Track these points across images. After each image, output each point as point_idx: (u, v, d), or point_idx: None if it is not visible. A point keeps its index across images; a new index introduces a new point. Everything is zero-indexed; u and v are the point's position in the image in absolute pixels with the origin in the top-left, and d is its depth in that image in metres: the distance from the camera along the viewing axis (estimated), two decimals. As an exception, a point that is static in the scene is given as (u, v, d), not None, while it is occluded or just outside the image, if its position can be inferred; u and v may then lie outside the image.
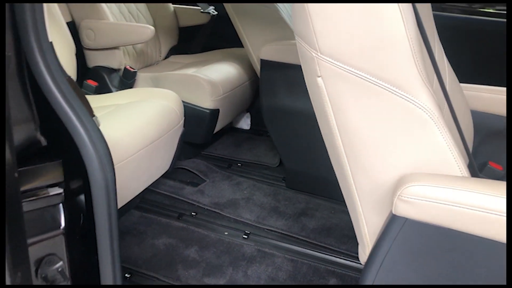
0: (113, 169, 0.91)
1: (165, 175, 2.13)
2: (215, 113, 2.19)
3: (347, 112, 0.93)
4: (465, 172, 0.91)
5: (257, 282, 1.60)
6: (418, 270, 0.92)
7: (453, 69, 1.47)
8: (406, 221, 0.90)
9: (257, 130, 2.73)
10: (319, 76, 0.94)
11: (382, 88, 0.88)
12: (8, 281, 0.80)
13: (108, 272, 1.00)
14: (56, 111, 0.86)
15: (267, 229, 1.89)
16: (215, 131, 2.30)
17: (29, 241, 0.94)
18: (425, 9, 1.30)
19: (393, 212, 0.90)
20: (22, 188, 0.91)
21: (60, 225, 1.00)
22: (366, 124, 0.92)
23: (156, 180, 1.91)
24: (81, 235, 1.00)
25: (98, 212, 0.93)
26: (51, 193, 0.96)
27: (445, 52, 1.62)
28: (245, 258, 1.71)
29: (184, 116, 1.95)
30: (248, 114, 2.75)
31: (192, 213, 1.97)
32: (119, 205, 1.58)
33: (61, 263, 1.00)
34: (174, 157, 1.90)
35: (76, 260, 1.02)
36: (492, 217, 0.82)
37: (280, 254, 1.74)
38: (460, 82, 1.47)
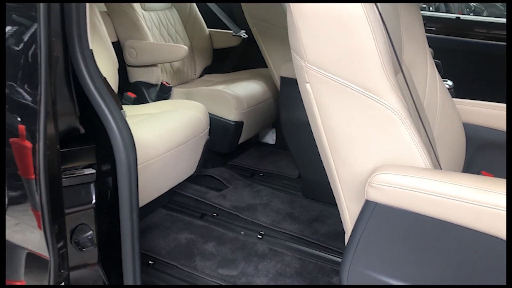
0: (135, 152, 1.12)
1: (192, 180, 2.35)
2: (239, 125, 2.39)
3: (329, 112, 1.10)
4: (428, 164, 1.05)
5: (265, 275, 1.76)
6: (388, 250, 1.07)
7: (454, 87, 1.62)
8: (376, 205, 1.05)
9: (282, 144, 2.91)
10: (307, 82, 1.12)
11: (356, 91, 1.05)
12: (50, 250, 1.00)
13: (128, 241, 1.20)
14: (92, 104, 1.08)
15: (280, 231, 2.05)
16: (239, 142, 2.50)
17: (66, 211, 1.15)
18: (416, 31, 1.46)
19: (366, 198, 1.06)
20: (63, 167, 1.13)
21: (91, 200, 1.21)
22: (344, 122, 1.09)
23: (183, 183, 2.13)
24: (107, 210, 1.21)
25: (122, 189, 1.13)
26: (86, 173, 1.18)
27: (449, 73, 1.77)
28: (257, 254, 1.88)
29: (211, 126, 2.16)
30: (273, 130, 2.94)
31: (213, 214, 2.16)
32: (147, 200, 1.80)
33: (90, 232, 1.21)
34: (199, 162, 2.11)
35: (103, 230, 1.22)
36: (446, 201, 0.96)
37: (290, 253, 1.89)
38: (455, 97, 1.61)
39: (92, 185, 1.20)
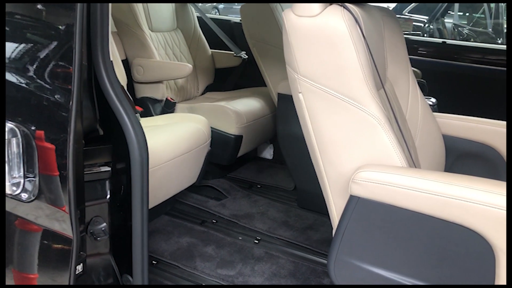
0: (147, 152, 1.27)
1: (193, 190, 2.49)
2: (238, 138, 2.55)
3: (319, 118, 1.26)
4: (404, 163, 1.20)
5: (261, 275, 1.88)
6: (369, 240, 1.21)
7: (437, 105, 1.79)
8: (358, 199, 1.20)
9: (279, 159, 3.06)
10: (300, 92, 1.28)
11: (342, 100, 1.21)
12: (74, 230, 1.14)
13: (138, 233, 1.34)
14: (112, 108, 1.23)
15: (276, 237, 2.18)
16: (239, 156, 2.65)
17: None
18: (399, 50, 1.63)
19: (350, 193, 1.21)
20: (84, 163, 1.27)
21: (106, 195, 1.36)
22: (331, 127, 1.24)
23: (184, 192, 2.27)
24: (120, 204, 1.35)
25: (134, 183, 1.28)
26: (102, 170, 1.33)
27: (428, 89, 1.94)
28: (254, 257, 2.00)
29: (212, 139, 2.32)
30: (271, 145, 3.09)
31: (213, 221, 2.29)
32: (152, 205, 1.93)
33: (104, 224, 1.34)
34: (200, 171, 2.25)
35: (115, 223, 1.36)
36: (418, 194, 1.11)
37: (284, 257, 2.02)
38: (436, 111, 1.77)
39: (107, 182, 1.35)
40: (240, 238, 2.15)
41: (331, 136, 1.25)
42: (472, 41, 4.83)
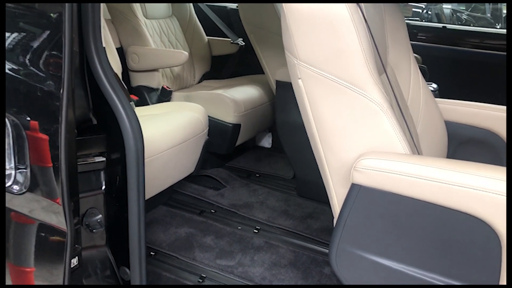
0: (143, 141, 1.23)
1: (191, 180, 2.46)
2: (237, 127, 2.51)
3: (319, 104, 1.22)
4: (407, 151, 1.17)
5: (261, 265, 1.86)
6: (372, 229, 1.18)
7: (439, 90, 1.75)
8: (360, 188, 1.16)
9: (278, 148, 3.03)
10: (299, 78, 1.24)
11: (343, 86, 1.17)
12: (68, 223, 1.10)
13: (134, 225, 1.31)
14: (105, 96, 1.19)
15: (276, 226, 2.15)
16: (237, 145, 2.61)
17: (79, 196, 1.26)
18: (400, 34, 1.59)
19: (351, 181, 1.17)
20: (78, 154, 1.23)
21: (101, 186, 1.32)
22: (332, 114, 1.21)
23: (182, 182, 2.24)
24: (116, 195, 1.32)
25: (130, 175, 1.24)
26: (97, 160, 1.29)
27: (429, 75, 1.90)
28: (253, 247, 1.98)
29: (210, 129, 2.28)
30: (270, 134, 3.06)
31: (212, 211, 2.26)
32: (149, 195, 1.90)
33: (100, 215, 1.31)
34: (198, 161, 2.22)
35: (111, 214, 1.33)
36: (422, 182, 1.07)
37: (284, 246, 1.99)
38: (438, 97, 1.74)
39: (102, 172, 1.31)
40: (239, 228, 2.13)
41: (332, 123, 1.22)
42: (471, 26, 4.78)
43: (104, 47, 1.18)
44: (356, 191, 1.17)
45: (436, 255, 1.10)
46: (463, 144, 1.72)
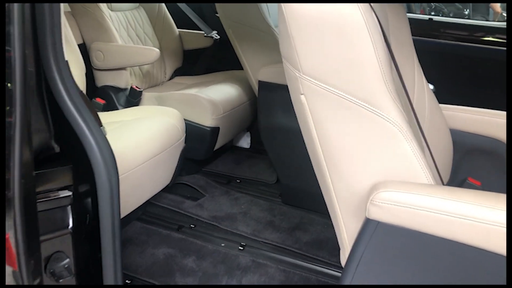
0: (117, 173, 1.03)
1: (166, 190, 2.24)
2: (215, 131, 2.31)
3: (326, 125, 1.04)
4: (431, 180, 1.01)
5: (250, 289, 1.69)
6: (390, 270, 1.02)
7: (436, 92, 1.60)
8: (378, 224, 1.00)
9: (257, 148, 2.84)
10: (302, 94, 1.05)
11: (355, 104, 0.99)
12: (23, 271, 0.90)
13: (110, 269, 1.10)
14: (69, 121, 0.97)
15: (262, 241, 1.98)
16: (215, 149, 2.41)
17: (41, 238, 1.05)
18: (404, 34, 1.42)
19: (367, 216, 1.01)
20: (37, 190, 1.02)
21: (68, 225, 1.11)
22: (342, 136, 1.03)
23: (158, 193, 2.02)
24: (87, 235, 1.11)
25: (103, 213, 1.04)
26: (61, 195, 1.07)
27: (428, 76, 1.74)
28: (240, 268, 1.80)
29: (186, 133, 2.07)
30: (248, 133, 2.87)
31: (191, 226, 2.07)
32: (123, 214, 1.68)
33: (68, 260, 1.10)
34: (175, 171, 2.01)
35: (81, 258, 1.12)
36: (452, 220, 0.91)
37: (273, 265, 1.83)
38: (441, 103, 1.59)
39: (68, 208, 1.10)
40: (222, 244, 1.94)
41: (342, 147, 1.04)
42: (441, 15, 4.69)
43: (67, 61, 0.96)
44: (372, 227, 1.01)
45: (466, 300, 0.95)
46: (468, 154, 1.58)
